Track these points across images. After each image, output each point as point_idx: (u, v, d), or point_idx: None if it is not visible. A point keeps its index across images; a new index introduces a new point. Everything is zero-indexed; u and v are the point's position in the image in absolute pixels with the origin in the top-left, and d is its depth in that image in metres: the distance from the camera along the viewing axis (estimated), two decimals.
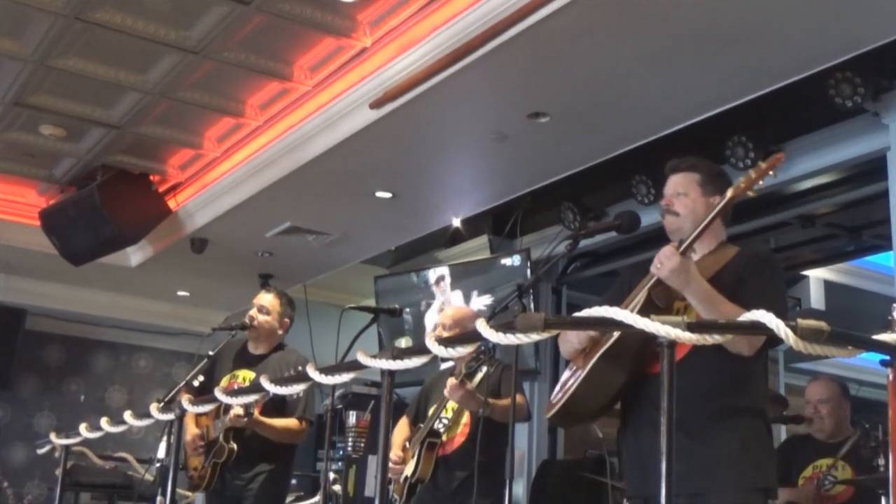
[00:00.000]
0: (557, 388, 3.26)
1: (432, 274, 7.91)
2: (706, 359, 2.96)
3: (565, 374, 3.27)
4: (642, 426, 3.10)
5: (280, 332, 5.11)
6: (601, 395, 3.13)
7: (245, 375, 4.98)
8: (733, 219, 3.47)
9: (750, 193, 3.10)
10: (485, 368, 4.50)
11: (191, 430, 4.97)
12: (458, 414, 4.74)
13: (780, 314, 2.88)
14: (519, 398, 4.43)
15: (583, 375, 3.06)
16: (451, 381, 4.49)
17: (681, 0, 4.23)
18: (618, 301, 3.23)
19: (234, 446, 4.80)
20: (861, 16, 4.23)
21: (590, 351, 3.11)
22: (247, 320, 5.04)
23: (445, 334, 4.74)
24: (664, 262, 2.98)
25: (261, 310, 5.08)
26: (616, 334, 2.97)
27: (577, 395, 3.10)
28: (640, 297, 3.08)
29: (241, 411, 4.58)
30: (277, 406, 4.81)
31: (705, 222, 3.08)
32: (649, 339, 2.96)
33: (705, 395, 3.02)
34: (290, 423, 4.86)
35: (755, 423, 3.10)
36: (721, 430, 3.01)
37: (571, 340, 3.24)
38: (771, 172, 3.09)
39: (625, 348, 3.03)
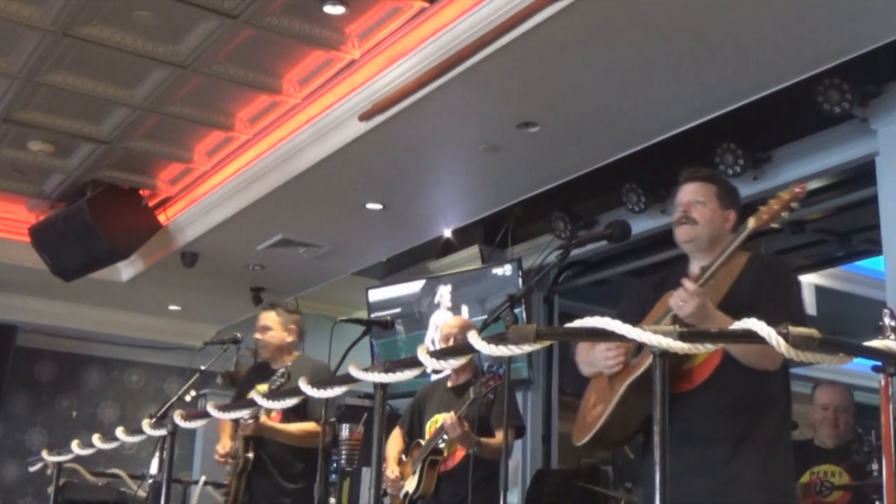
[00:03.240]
0: (583, 408, 3.24)
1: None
2: (731, 377, 2.96)
3: (590, 395, 3.25)
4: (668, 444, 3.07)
5: (290, 339, 5.10)
6: (631, 422, 3.10)
7: (261, 388, 4.97)
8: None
9: (773, 225, 3.04)
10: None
11: (223, 443, 4.98)
12: None
13: (799, 322, 2.89)
14: (502, 438, 4.44)
15: (612, 406, 3.03)
16: (451, 416, 4.47)
17: (669, 9, 4.24)
18: (631, 317, 3.21)
19: (251, 455, 4.80)
20: (848, 22, 4.25)
21: (616, 378, 3.07)
22: (254, 346, 5.06)
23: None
24: (686, 302, 2.90)
25: (262, 330, 5.11)
26: (645, 366, 2.92)
27: (608, 425, 3.07)
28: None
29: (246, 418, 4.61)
30: (299, 411, 4.78)
31: (725, 254, 3.01)
32: (680, 359, 2.98)
33: (731, 413, 3.01)
34: (308, 426, 4.83)
35: (779, 440, 3.08)
36: (745, 448, 2.99)
37: (581, 363, 3.24)
38: (793, 204, 3.00)
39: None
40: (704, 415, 3.00)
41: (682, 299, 2.91)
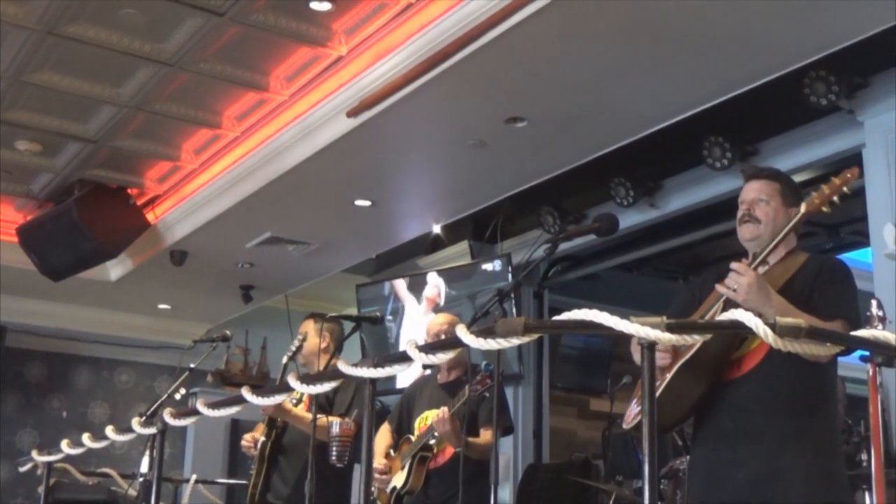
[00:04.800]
0: (634, 401, 3.21)
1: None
2: (780, 367, 2.93)
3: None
4: (714, 434, 3.04)
5: (325, 344, 5.04)
6: (679, 407, 3.06)
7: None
8: (719, 217, 3.41)
9: (825, 209, 3.02)
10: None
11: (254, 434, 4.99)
12: None
13: (854, 321, 2.88)
14: (489, 437, 4.44)
15: (662, 388, 2.98)
16: (444, 411, 4.47)
17: (654, 4, 4.24)
18: (684, 307, 3.20)
19: (264, 439, 4.81)
20: (833, 14, 4.26)
21: (670, 363, 3.03)
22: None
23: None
24: (738, 283, 2.87)
25: (303, 338, 5.06)
26: (696, 348, 2.88)
27: (659, 408, 3.03)
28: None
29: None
30: (322, 407, 4.73)
31: (779, 238, 3.02)
32: (728, 347, 2.97)
33: (778, 406, 2.97)
34: (326, 420, 4.80)
35: (828, 433, 3.03)
36: (792, 445, 2.94)
37: (634, 353, 3.23)
38: (845, 188, 3.00)
39: (704, 359, 2.95)
40: (752, 405, 2.98)
41: (734, 280, 2.89)
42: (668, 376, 2.98)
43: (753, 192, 3.24)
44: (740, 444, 2.96)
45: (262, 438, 4.85)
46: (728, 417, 3.02)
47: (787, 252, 3.17)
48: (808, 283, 3.07)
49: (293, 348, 4.98)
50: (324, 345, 5.07)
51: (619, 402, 5.48)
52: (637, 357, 3.25)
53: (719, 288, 2.95)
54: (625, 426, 3.19)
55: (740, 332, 2.31)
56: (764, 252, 3.02)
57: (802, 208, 3.03)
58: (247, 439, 4.98)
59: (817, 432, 2.98)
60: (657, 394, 3.00)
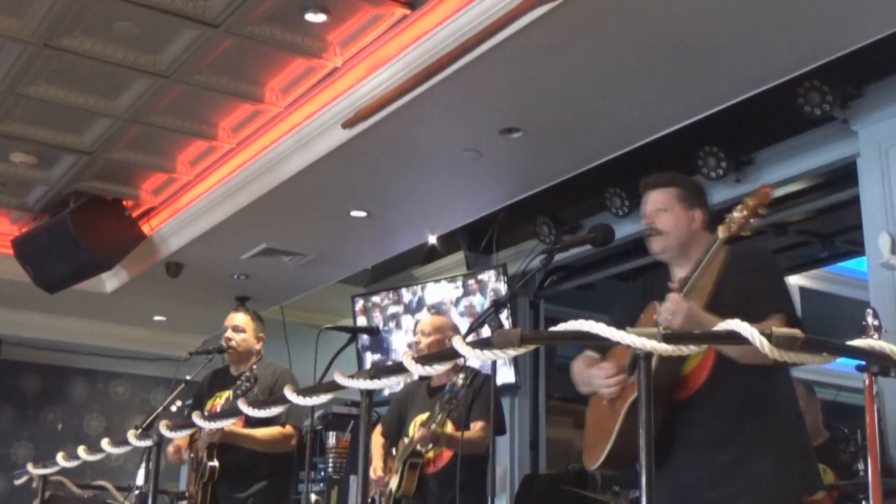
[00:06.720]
0: (588, 429, 3.20)
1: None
2: (730, 378, 2.94)
3: (592, 416, 3.20)
4: (675, 456, 3.02)
5: (257, 347, 5.09)
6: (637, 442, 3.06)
7: (227, 396, 4.95)
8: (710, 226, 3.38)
9: (744, 233, 2.99)
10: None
11: (177, 442, 4.95)
12: None
13: (791, 312, 2.89)
14: (481, 429, 4.48)
15: (618, 428, 2.98)
16: (423, 433, 4.52)
17: (650, 14, 4.25)
18: (623, 325, 3.20)
19: (216, 464, 4.77)
20: (827, 25, 4.27)
21: (619, 397, 3.01)
22: (223, 343, 5.02)
23: (425, 341, 4.78)
24: (674, 315, 2.86)
25: (236, 329, 5.06)
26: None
27: (616, 448, 3.02)
28: None
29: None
30: (261, 417, 4.75)
31: (701, 267, 2.98)
32: (676, 371, 2.95)
33: (736, 415, 2.97)
34: (273, 431, 4.81)
35: (790, 442, 3.03)
36: (756, 451, 2.94)
37: (578, 382, 3.22)
38: (761, 210, 2.96)
39: (656, 390, 2.94)
40: (709, 419, 2.97)
41: (669, 312, 2.89)
42: (622, 415, 2.95)
43: (651, 203, 3.25)
44: (703, 461, 2.95)
45: (208, 461, 4.77)
46: (686, 437, 3.00)
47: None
48: (736, 282, 3.05)
49: (224, 344, 5.01)
50: (258, 347, 5.08)
51: None
52: (582, 389, 3.24)
53: (659, 320, 2.93)
54: (589, 468, 3.17)
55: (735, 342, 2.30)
56: (690, 280, 2.97)
57: (720, 233, 2.98)
58: (176, 453, 4.93)
59: (778, 434, 2.99)
60: (613, 439, 3.00)
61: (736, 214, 2.97)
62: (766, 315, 2.83)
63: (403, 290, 8.01)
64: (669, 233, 3.18)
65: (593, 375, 3.10)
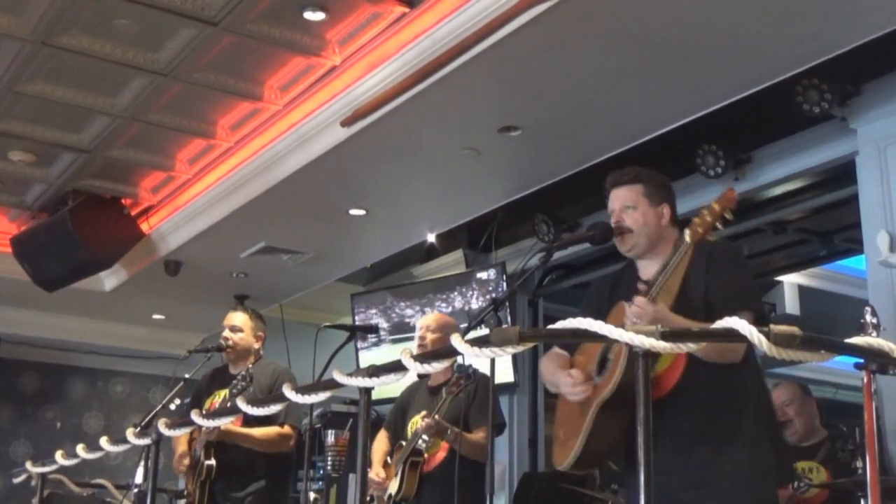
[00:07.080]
0: (556, 430, 3.19)
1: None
2: (701, 378, 2.94)
3: (560, 417, 3.19)
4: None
5: (256, 346, 5.09)
6: (608, 440, 3.02)
7: (224, 395, 4.95)
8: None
9: (710, 238, 2.98)
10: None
11: (179, 450, 4.94)
12: None
13: (759, 309, 2.89)
14: (481, 437, 4.46)
15: (586, 429, 2.96)
16: (427, 421, 4.51)
17: (647, 12, 4.25)
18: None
19: (213, 462, 4.76)
20: (826, 23, 4.27)
21: (588, 399, 3.00)
22: (222, 342, 5.02)
23: (430, 336, 4.77)
24: (640, 319, 2.84)
25: (233, 329, 5.06)
26: (611, 385, 2.87)
27: (586, 448, 3.00)
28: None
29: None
30: (259, 416, 4.75)
31: (668, 272, 2.96)
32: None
33: (708, 414, 2.98)
34: (270, 431, 4.82)
35: (760, 437, 3.04)
36: (729, 447, 2.96)
37: (546, 382, 3.22)
38: (726, 215, 2.95)
39: (624, 396, 2.86)
40: (683, 420, 2.97)
41: (636, 316, 2.88)
42: (590, 417, 2.94)
43: (618, 201, 3.25)
44: (677, 462, 2.94)
45: (205, 460, 4.77)
46: (662, 434, 2.99)
47: (673, 248, 3.09)
48: (702, 280, 3.03)
49: (222, 343, 5.01)
50: (256, 346, 5.07)
51: None
52: (551, 389, 3.23)
53: (627, 325, 2.93)
54: (559, 468, 3.14)
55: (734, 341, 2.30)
56: (657, 283, 2.97)
57: (687, 238, 2.97)
58: (180, 460, 4.92)
59: (750, 428, 3.00)
60: (582, 440, 2.97)
61: (701, 219, 2.95)
62: (733, 314, 2.83)
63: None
64: (638, 230, 3.17)
65: (561, 382, 3.08)
